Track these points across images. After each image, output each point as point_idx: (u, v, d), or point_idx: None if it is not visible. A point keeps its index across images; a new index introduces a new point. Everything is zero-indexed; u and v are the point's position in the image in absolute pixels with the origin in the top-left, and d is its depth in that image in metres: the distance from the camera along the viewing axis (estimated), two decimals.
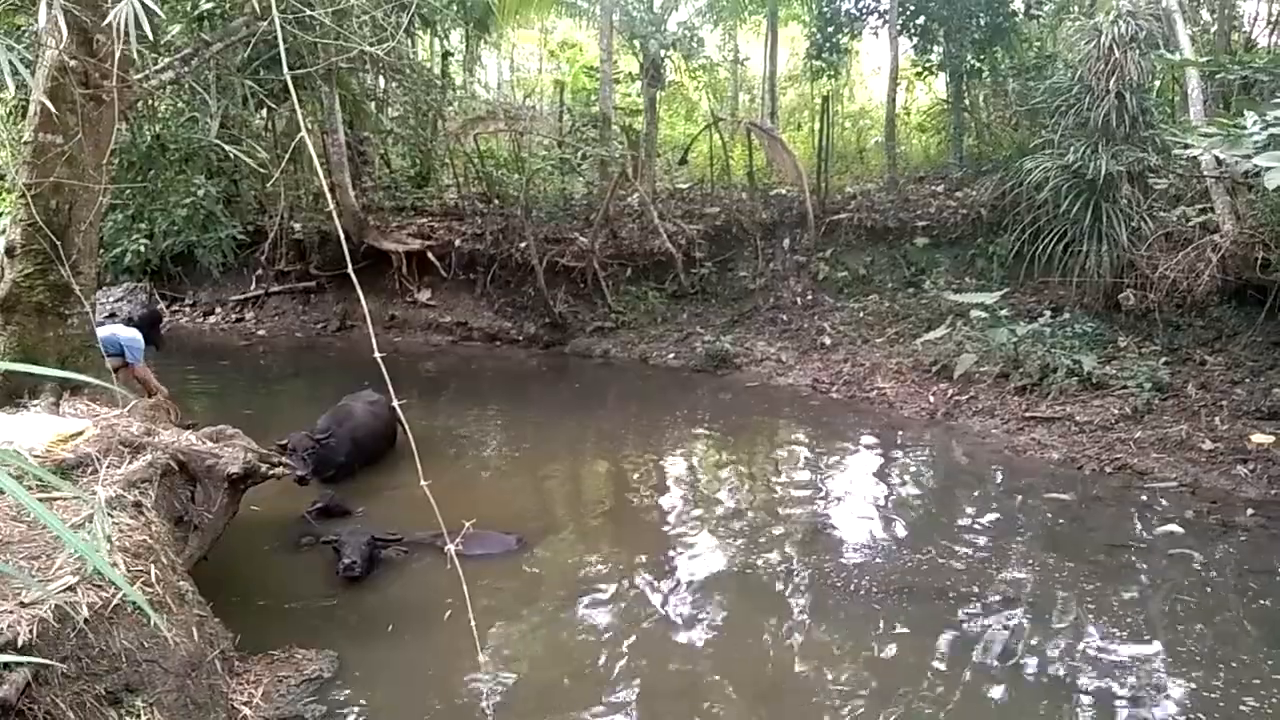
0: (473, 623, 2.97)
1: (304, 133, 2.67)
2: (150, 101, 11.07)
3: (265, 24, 7.34)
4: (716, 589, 6.41)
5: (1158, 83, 12.67)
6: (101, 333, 7.08)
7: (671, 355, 13.81)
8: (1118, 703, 4.95)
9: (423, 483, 2.41)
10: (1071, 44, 12.30)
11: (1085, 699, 4.98)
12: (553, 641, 5.68)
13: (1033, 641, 5.62)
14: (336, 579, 6.12)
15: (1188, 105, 11.48)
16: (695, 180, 17.36)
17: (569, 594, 6.25)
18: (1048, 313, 11.46)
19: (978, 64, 16.18)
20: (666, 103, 20.53)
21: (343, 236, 3.06)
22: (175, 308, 17.49)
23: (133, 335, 8.32)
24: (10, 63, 3.28)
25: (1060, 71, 12.95)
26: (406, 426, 2.67)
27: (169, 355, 11.24)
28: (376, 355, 2.31)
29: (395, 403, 2.34)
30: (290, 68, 2.97)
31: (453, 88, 18.11)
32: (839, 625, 5.87)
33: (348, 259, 2.44)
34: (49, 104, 5.28)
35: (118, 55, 5.53)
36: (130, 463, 4.99)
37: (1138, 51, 10.88)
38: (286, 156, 12.11)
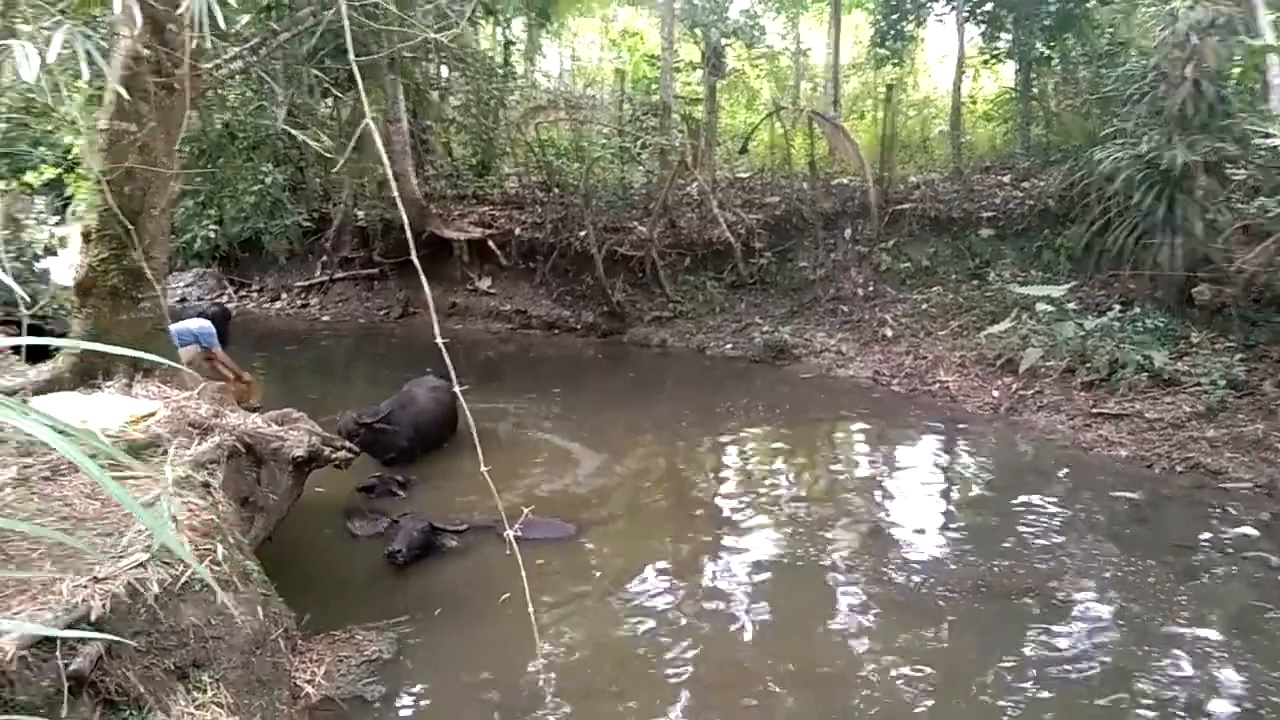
0: (531, 610, 2.98)
1: (368, 119, 2.69)
2: (219, 90, 11.30)
3: (331, 13, 7.43)
4: (772, 580, 6.38)
5: (1237, 70, 12.24)
6: (173, 329, 7.29)
7: (729, 345, 13.75)
8: (1184, 709, 4.82)
9: (483, 469, 2.42)
10: (1146, 30, 11.95)
11: (1152, 703, 4.86)
12: (607, 627, 5.70)
13: (1098, 643, 5.49)
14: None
15: (1268, 93, 11.07)
16: (755, 169, 17.22)
17: (624, 581, 6.27)
18: (1117, 306, 11.17)
19: (1047, 51, 15.80)
20: (727, 91, 20.37)
21: (406, 224, 3.08)
22: (242, 293, 17.92)
23: (201, 323, 8.67)
24: (87, 51, 3.36)
25: (1134, 59, 12.62)
26: (469, 412, 2.68)
27: (236, 340, 11.54)
28: (439, 340, 2.32)
29: (457, 388, 2.35)
30: (356, 56, 2.99)
31: (514, 77, 18.20)
32: (896, 620, 5.79)
33: (411, 246, 2.46)
34: (124, 92, 5.39)
35: (190, 46, 5.64)
36: (199, 444, 5.10)
37: (1216, 37, 10.53)
38: (351, 144, 12.28)
